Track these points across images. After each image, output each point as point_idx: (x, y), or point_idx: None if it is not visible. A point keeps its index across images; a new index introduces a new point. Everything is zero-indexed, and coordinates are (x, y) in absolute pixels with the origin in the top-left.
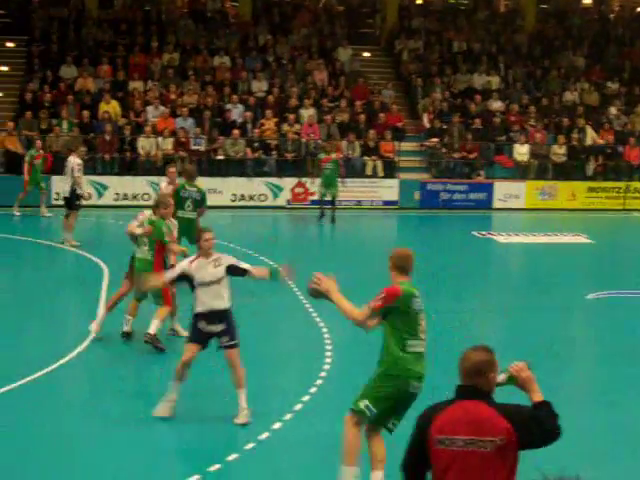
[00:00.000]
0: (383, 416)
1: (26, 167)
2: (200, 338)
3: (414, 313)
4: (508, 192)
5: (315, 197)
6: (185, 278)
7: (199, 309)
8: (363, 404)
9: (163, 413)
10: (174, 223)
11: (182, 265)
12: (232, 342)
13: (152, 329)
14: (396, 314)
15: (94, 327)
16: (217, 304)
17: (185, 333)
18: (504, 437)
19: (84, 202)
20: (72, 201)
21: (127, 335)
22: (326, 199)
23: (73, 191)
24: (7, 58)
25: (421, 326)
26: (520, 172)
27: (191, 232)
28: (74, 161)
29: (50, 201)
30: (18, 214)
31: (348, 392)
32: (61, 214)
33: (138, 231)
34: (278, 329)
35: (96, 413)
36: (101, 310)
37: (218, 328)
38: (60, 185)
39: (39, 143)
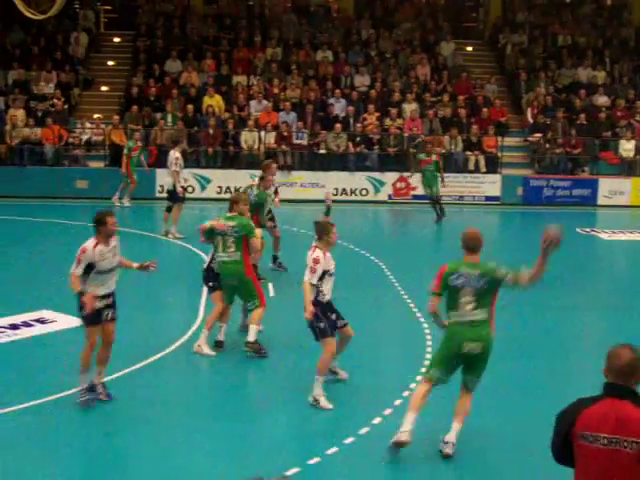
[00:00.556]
0: (445, 374)
1: (124, 159)
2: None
3: (453, 288)
4: (613, 188)
5: (416, 192)
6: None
7: None
8: (430, 370)
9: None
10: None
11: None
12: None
13: (251, 336)
14: (445, 289)
15: (197, 348)
16: None
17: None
18: None
19: (187, 195)
20: (175, 194)
21: (220, 344)
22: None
23: (175, 184)
24: (114, 53)
25: (463, 299)
26: (626, 168)
27: None
28: (173, 155)
29: (154, 193)
30: (128, 205)
31: (447, 387)
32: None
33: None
34: (378, 323)
35: (194, 406)
36: (203, 332)
37: None
38: (164, 178)
39: (138, 135)
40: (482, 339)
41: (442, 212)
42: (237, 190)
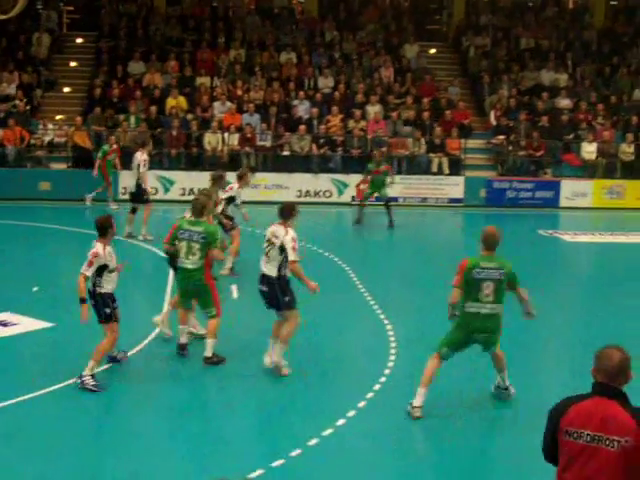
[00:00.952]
0: (454, 352)
1: (97, 162)
2: None
3: (476, 281)
4: (575, 191)
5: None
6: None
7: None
8: (442, 348)
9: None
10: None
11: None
12: None
13: (209, 351)
14: (465, 281)
15: (158, 320)
16: None
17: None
18: (630, 439)
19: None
20: (139, 195)
21: (183, 347)
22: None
23: (139, 186)
24: (76, 54)
25: (483, 292)
26: (588, 171)
27: None
28: (141, 157)
29: (117, 195)
30: (116, 207)
31: (406, 397)
32: (126, 208)
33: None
34: (342, 324)
35: (159, 404)
36: (165, 306)
37: None
38: (127, 180)
39: (113, 139)
40: (490, 331)
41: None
42: (202, 193)
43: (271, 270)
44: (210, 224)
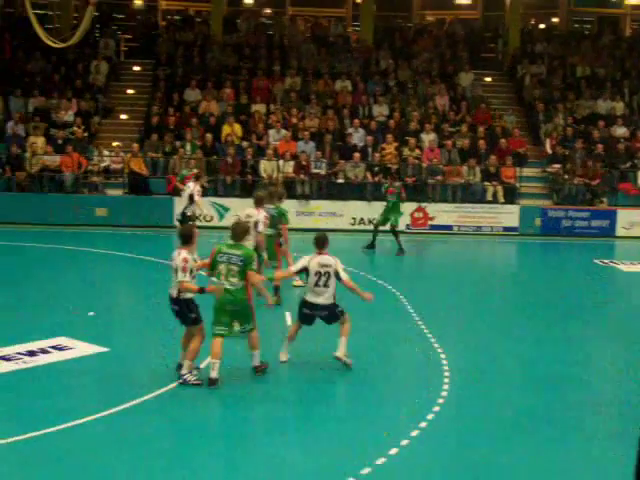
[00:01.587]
0: None
1: (178, 185)
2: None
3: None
4: (632, 220)
5: (434, 222)
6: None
7: None
8: None
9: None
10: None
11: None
12: None
13: (256, 361)
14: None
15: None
16: None
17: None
18: None
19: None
20: (185, 221)
21: (213, 382)
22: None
23: (184, 214)
24: (133, 81)
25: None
26: None
27: (269, 248)
28: (194, 187)
29: (172, 221)
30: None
31: (464, 420)
32: None
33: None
34: (396, 353)
35: (217, 430)
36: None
37: None
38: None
39: (193, 163)
40: None
41: (399, 245)
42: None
43: (328, 299)
44: (248, 248)
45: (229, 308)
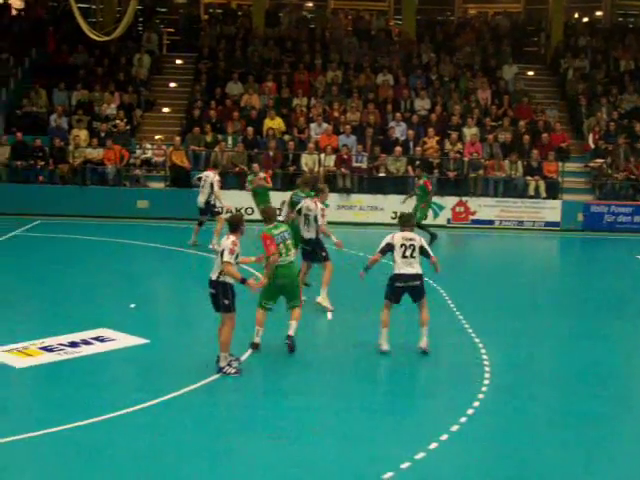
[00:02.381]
0: None
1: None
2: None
3: None
4: None
5: (476, 217)
6: None
7: None
8: None
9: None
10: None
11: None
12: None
13: (292, 331)
14: None
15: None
16: None
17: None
18: None
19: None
20: (208, 210)
21: (256, 347)
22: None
23: (207, 202)
24: (176, 75)
25: None
26: None
27: (296, 235)
28: (214, 177)
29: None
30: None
31: (503, 415)
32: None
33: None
34: (436, 347)
35: (250, 425)
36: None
37: None
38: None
39: (257, 167)
40: None
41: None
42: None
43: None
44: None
45: (286, 283)
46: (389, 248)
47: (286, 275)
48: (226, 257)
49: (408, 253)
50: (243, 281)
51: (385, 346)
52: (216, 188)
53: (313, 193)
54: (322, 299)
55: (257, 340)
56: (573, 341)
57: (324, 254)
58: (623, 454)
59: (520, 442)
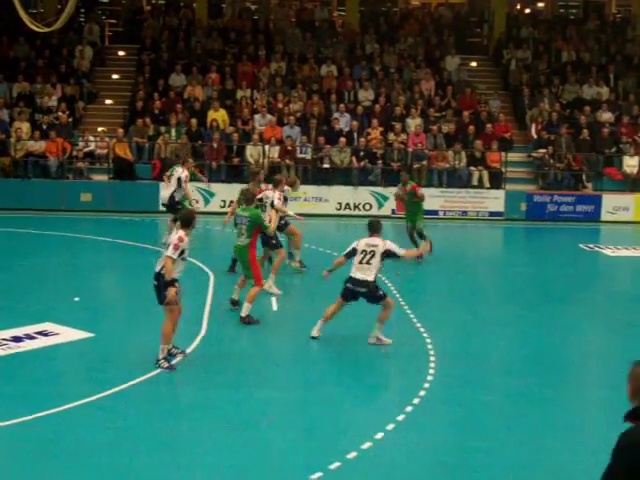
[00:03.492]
0: None
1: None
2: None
3: None
4: (617, 205)
5: None
6: None
7: None
8: None
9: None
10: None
11: None
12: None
13: (244, 312)
14: None
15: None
16: None
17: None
18: None
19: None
20: (173, 206)
21: (234, 303)
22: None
23: (172, 197)
24: (118, 66)
25: None
26: (629, 184)
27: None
28: (182, 173)
29: (157, 207)
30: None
31: (450, 404)
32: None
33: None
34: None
35: (198, 414)
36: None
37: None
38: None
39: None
40: None
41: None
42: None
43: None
44: (255, 209)
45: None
46: (354, 252)
47: (237, 253)
48: (169, 252)
49: (365, 259)
50: (170, 283)
51: (314, 332)
52: (183, 184)
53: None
54: (270, 286)
55: (236, 297)
56: (518, 329)
57: (274, 241)
58: (569, 440)
59: (466, 430)
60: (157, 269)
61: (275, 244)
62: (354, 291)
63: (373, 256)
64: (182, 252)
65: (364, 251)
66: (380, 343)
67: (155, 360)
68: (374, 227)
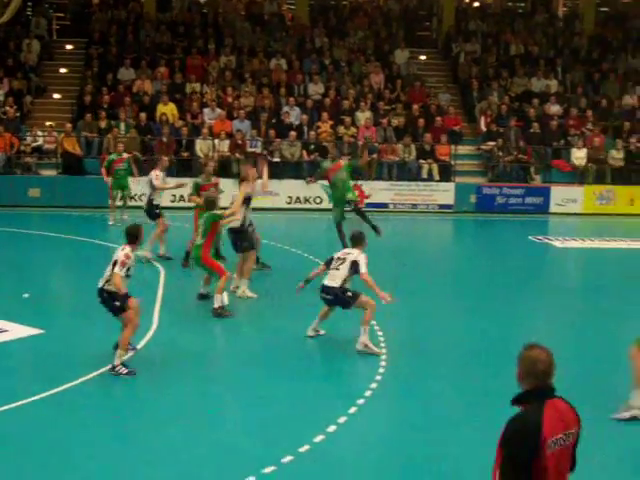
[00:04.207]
0: None
1: (104, 171)
2: None
3: None
4: (565, 196)
5: (370, 200)
6: None
7: None
8: None
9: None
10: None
11: None
12: None
13: (216, 303)
14: None
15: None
16: None
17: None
18: (577, 428)
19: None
20: (152, 211)
21: (203, 297)
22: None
23: (150, 201)
24: (66, 60)
25: None
26: (578, 177)
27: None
28: (153, 173)
29: (106, 201)
30: (111, 223)
31: (397, 402)
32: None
33: None
34: (334, 330)
35: (155, 407)
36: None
37: None
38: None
39: (121, 147)
40: None
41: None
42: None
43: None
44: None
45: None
46: (331, 260)
47: (193, 253)
48: (117, 269)
49: (335, 265)
50: (125, 298)
51: (309, 332)
52: (155, 182)
53: None
54: (243, 290)
55: (203, 291)
56: (470, 321)
57: (245, 244)
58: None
59: (417, 421)
60: (99, 285)
61: (247, 246)
62: (324, 298)
63: (342, 263)
64: (128, 269)
65: (338, 258)
66: (369, 351)
67: (111, 367)
68: (354, 240)
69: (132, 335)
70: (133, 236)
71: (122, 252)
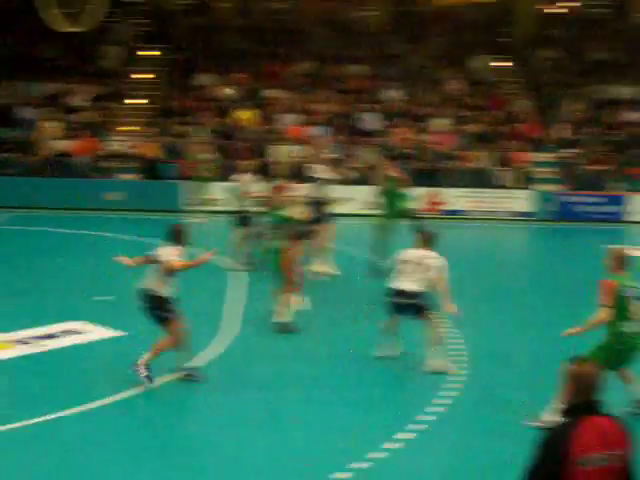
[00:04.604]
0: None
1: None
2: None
3: (625, 300)
4: None
5: (447, 207)
6: None
7: None
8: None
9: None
10: None
11: None
12: None
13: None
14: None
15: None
16: None
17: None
18: (626, 449)
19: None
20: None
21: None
22: None
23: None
24: (148, 66)
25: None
26: None
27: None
28: (242, 177)
29: (178, 206)
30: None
31: (480, 407)
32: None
33: None
34: (408, 341)
35: (208, 419)
36: None
37: None
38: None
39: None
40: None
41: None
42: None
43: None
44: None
45: None
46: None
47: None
48: (172, 258)
49: (409, 269)
50: (171, 307)
51: (382, 353)
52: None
53: None
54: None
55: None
56: (544, 330)
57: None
58: None
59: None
60: (146, 287)
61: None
62: (399, 304)
63: (420, 265)
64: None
65: (411, 261)
66: (438, 370)
67: (134, 364)
68: (429, 241)
69: (168, 350)
70: (182, 235)
71: (171, 250)
